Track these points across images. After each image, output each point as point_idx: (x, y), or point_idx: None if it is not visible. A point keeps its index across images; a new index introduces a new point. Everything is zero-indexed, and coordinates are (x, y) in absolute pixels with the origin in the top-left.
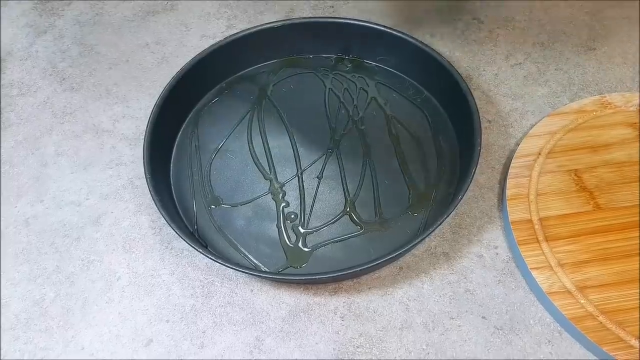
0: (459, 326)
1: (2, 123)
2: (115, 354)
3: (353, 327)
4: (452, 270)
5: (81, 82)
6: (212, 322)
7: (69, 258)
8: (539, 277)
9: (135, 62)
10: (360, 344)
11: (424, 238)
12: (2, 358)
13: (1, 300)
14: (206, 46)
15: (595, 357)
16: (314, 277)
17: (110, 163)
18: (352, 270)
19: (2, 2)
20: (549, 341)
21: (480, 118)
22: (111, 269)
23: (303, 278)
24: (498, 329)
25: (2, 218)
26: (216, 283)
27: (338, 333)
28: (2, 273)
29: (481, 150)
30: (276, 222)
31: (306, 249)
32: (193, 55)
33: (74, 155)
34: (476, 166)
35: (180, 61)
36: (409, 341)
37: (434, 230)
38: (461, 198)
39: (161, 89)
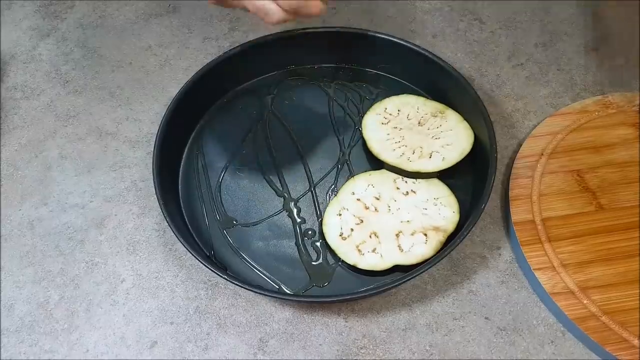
0: (462, 327)
1: (6, 126)
2: (120, 356)
3: (356, 328)
4: (455, 271)
5: (84, 85)
6: (216, 324)
7: (73, 261)
8: (541, 277)
9: (138, 64)
10: (363, 345)
11: (450, 251)
12: None
13: (7, 303)
14: (209, 48)
15: (598, 358)
16: (345, 297)
17: (113, 165)
18: (382, 289)
19: (4, 4)
20: (552, 341)
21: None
22: (115, 271)
23: (336, 299)
24: (501, 330)
25: (7, 221)
26: (220, 285)
27: (342, 334)
28: (7, 276)
29: (497, 157)
30: (294, 240)
31: (329, 266)
32: (196, 58)
33: (77, 158)
34: (494, 178)
35: (183, 64)
36: (412, 342)
37: (460, 242)
38: (483, 207)
39: (164, 92)
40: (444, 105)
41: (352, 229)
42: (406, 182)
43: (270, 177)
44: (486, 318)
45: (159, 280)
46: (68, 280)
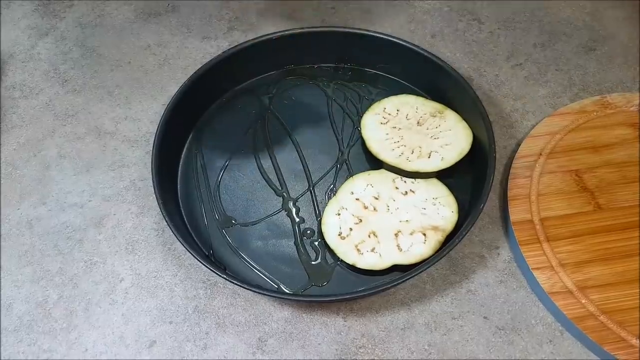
0: (461, 326)
1: (4, 125)
2: (119, 355)
3: (355, 327)
4: (454, 270)
5: (83, 84)
6: (215, 324)
7: (72, 260)
8: (540, 277)
9: (137, 64)
10: (362, 345)
11: (449, 251)
12: None
13: (6, 302)
14: (208, 48)
15: (596, 357)
16: (344, 296)
17: (112, 165)
18: (381, 288)
19: (3, 3)
20: (551, 341)
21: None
22: (114, 270)
23: (335, 299)
24: (500, 329)
25: (5, 220)
26: (219, 284)
27: (340, 333)
28: (6, 275)
29: (496, 157)
30: (293, 240)
31: (328, 266)
32: (195, 57)
33: (76, 157)
34: (492, 178)
35: (182, 63)
36: (411, 341)
37: (458, 242)
38: (482, 207)
39: (163, 92)
40: (442, 105)
41: (351, 229)
42: (405, 181)
43: (269, 176)
44: (485, 317)
45: (157, 280)
46: (67, 280)
